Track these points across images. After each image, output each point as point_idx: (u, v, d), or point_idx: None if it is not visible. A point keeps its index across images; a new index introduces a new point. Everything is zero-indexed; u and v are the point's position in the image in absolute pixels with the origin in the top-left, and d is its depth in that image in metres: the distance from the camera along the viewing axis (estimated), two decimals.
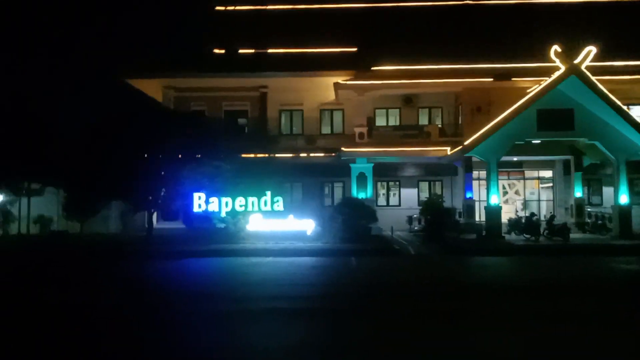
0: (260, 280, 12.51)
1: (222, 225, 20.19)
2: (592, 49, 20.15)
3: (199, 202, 20.42)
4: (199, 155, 20.61)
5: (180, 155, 20.00)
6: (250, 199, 20.15)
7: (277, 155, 23.77)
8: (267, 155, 23.54)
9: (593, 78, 20.25)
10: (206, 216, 20.32)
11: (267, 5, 29.57)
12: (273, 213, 20.06)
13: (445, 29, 26.44)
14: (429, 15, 28.19)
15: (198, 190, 20.50)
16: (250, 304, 9.47)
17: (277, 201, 20.18)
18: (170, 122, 20.09)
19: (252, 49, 26.23)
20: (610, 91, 20.44)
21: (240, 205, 20.18)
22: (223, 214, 20.19)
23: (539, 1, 28.84)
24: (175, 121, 20.53)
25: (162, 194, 20.54)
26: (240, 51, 26.14)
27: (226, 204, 20.23)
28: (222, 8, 29.68)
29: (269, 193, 20.19)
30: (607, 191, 24.05)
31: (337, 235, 19.22)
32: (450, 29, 26.47)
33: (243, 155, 22.59)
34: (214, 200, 20.32)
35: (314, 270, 14.32)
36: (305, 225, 19.65)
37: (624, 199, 20.89)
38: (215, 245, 18.41)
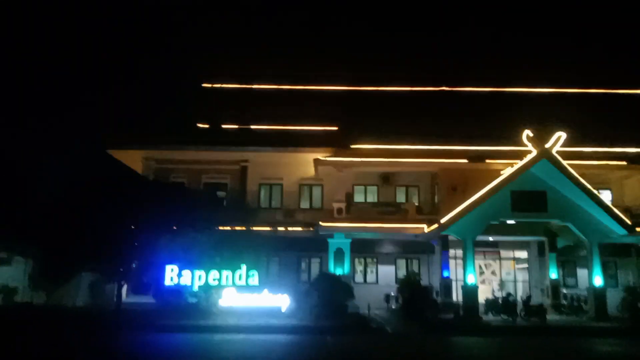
0: (234, 358, 12.05)
1: (194, 300, 19.59)
2: (562, 134, 21.09)
3: (171, 274, 19.92)
4: (175, 227, 20.36)
5: (156, 226, 19.71)
6: (225, 273, 19.74)
7: (255, 228, 23.57)
8: (245, 228, 23.35)
9: (564, 162, 21.04)
10: (178, 290, 19.74)
11: (252, 85, 30.63)
12: (247, 288, 19.60)
13: (422, 112, 27.53)
14: (407, 99, 29.49)
15: (172, 262, 20.05)
16: None
17: (252, 275, 19.80)
18: (147, 193, 19.98)
19: (235, 124, 26.84)
20: (580, 175, 21.20)
21: (214, 279, 19.72)
22: (195, 288, 19.67)
23: (512, 89, 30.47)
24: (152, 191, 20.42)
25: (134, 265, 20.03)
26: (224, 126, 26.70)
27: (199, 277, 19.76)
28: (209, 85, 30.63)
29: (244, 267, 19.84)
30: (582, 273, 24.24)
31: (312, 311, 18.76)
32: (428, 112, 27.58)
33: (220, 228, 22.34)
34: (186, 273, 19.85)
35: (288, 349, 13.87)
36: (280, 300, 19.16)
37: (598, 280, 21.04)
38: (186, 320, 17.74)
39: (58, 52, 54.22)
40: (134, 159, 26.44)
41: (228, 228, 22.90)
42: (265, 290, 19.42)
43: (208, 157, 26.16)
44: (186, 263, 20.03)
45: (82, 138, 29.38)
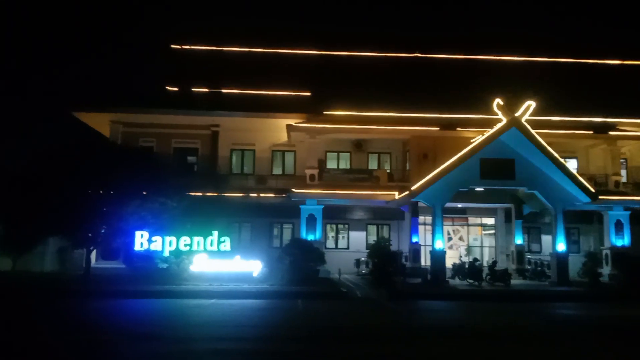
0: (203, 322, 12.13)
1: (165, 266, 19.52)
2: (531, 104, 21.35)
3: (141, 240, 19.74)
4: (145, 192, 20.09)
5: (124, 192, 19.39)
6: (196, 239, 19.67)
7: (226, 194, 23.50)
8: (216, 194, 23.23)
9: (532, 131, 21.38)
10: (148, 255, 19.62)
11: (223, 47, 29.93)
12: (219, 253, 19.61)
13: (395, 79, 27.48)
14: (380, 65, 29.33)
15: (142, 228, 19.86)
16: (192, 345, 9.14)
17: (224, 241, 19.79)
18: (115, 157, 19.57)
19: (205, 87, 26.29)
20: (548, 144, 21.60)
21: (185, 245, 19.64)
22: (166, 254, 19.57)
23: (483, 57, 30.61)
24: (120, 156, 20.00)
25: (103, 231, 19.76)
26: (194, 89, 26.12)
27: (170, 243, 19.64)
28: (178, 47, 29.78)
29: (215, 233, 19.78)
30: (546, 239, 25.04)
31: (284, 277, 18.95)
32: (401, 79, 27.55)
33: (191, 194, 22.16)
34: (157, 239, 19.70)
35: (259, 313, 14.01)
36: (252, 266, 19.27)
37: (561, 247, 21.76)
38: (156, 286, 17.68)
39: (22, 14, 51.78)
40: (101, 123, 25.78)
41: (199, 194, 22.76)
42: (238, 256, 19.46)
43: (178, 121, 25.66)
44: (157, 229, 19.87)
45: (48, 102, 28.43)
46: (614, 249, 23.16)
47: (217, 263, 19.31)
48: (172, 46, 29.72)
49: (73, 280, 19.13)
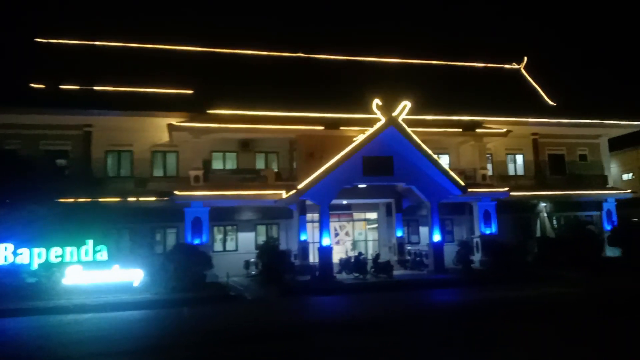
0: (78, 339, 11.30)
1: (34, 280, 17.78)
2: (407, 104, 22.55)
3: (5, 254, 17.84)
4: (9, 200, 18.17)
5: None
6: (69, 249, 18.15)
7: (103, 199, 21.96)
8: (91, 199, 21.63)
9: (409, 129, 22.60)
10: (13, 270, 17.75)
11: (97, 42, 27.96)
12: (95, 264, 18.24)
13: (282, 78, 27.56)
14: (266, 64, 29.25)
15: (7, 240, 17.96)
16: None
17: (100, 250, 18.48)
18: None
19: (77, 85, 24.33)
20: (423, 141, 22.97)
21: (57, 256, 18.05)
22: (34, 267, 17.85)
23: (364, 59, 31.80)
24: None
25: None
26: (64, 87, 24.05)
27: (39, 254, 17.95)
28: (44, 40, 27.30)
29: (90, 242, 18.41)
30: (424, 230, 26.64)
31: (168, 284, 18.13)
32: (287, 78, 27.70)
33: (63, 200, 20.47)
34: (23, 251, 17.91)
35: (141, 324, 13.33)
36: (132, 275, 18.16)
37: (437, 237, 23.29)
38: (24, 302, 16.07)
39: None
40: None
41: (72, 200, 21.08)
42: (116, 266, 18.20)
43: (46, 121, 23.46)
44: (24, 240, 18.04)
45: None
46: (483, 237, 25.25)
47: (93, 274, 17.93)
48: (38, 40, 27.16)
49: None
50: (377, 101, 22.43)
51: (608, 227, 28.23)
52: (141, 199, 23.09)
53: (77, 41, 27.66)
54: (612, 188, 30.22)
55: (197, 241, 22.42)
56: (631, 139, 33.49)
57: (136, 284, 17.98)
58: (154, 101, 24.15)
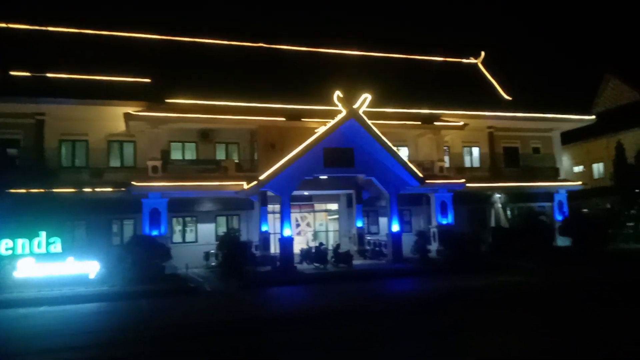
0: (33, 334, 10.99)
1: None
2: (367, 96, 22.76)
3: None
4: None
5: None
6: (20, 241, 17.55)
7: (56, 190, 21.23)
8: (44, 190, 20.90)
9: (369, 121, 22.84)
10: None
11: (49, 27, 26.91)
12: (49, 256, 17.71)
13: (243, 68, 27.31)
14: (227, 54, 28.87)
15: None
16: None
17: (54, 242, 17.94)
18: None
19: (28, 72, 23.39)
20: (383, 133, 23.26)
21: (7, 249, 17.43)
22: None
23: (326, 51, 31.83)
24: None
25: None
26: (13, 73, 23.08)
27: None
28: None
29: (43, 234, 17.85)
30: (383, 221, 27.05)
31: (125, 277, 17.79)
32: (248, 69, 27.46)
33: (14, 191, 19.76)
34: None
35: (96, 317, 13.07)
36: (88, 267, 17.72)
37: (395, 227, 23.71)
38: None
39: None
40: None
41: (24, 191, 20.35)
42: (71, 258, 17.72)
43: None
44: None
45: None
46: (439, 227, 25.83)
47: (47, 267, 17.41)
48: None
49: None
50: (338, 93, 22.55)
51: (559, 218, 29.34)
52: (97, 189, 22.52)
53: (29, 26, 26.54)
54: (564, 180, 31.40)
55: (155, 232, 22.08)
56: (582, 132, 34.82)
57: (92, 276, 17.57)
58: (110, 90, 23.49)
